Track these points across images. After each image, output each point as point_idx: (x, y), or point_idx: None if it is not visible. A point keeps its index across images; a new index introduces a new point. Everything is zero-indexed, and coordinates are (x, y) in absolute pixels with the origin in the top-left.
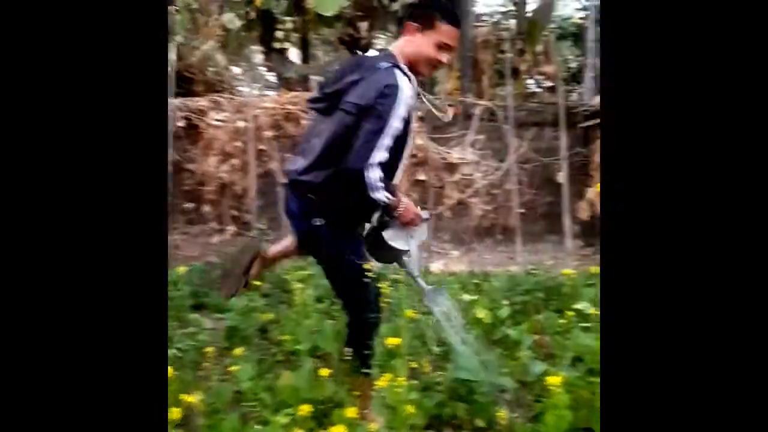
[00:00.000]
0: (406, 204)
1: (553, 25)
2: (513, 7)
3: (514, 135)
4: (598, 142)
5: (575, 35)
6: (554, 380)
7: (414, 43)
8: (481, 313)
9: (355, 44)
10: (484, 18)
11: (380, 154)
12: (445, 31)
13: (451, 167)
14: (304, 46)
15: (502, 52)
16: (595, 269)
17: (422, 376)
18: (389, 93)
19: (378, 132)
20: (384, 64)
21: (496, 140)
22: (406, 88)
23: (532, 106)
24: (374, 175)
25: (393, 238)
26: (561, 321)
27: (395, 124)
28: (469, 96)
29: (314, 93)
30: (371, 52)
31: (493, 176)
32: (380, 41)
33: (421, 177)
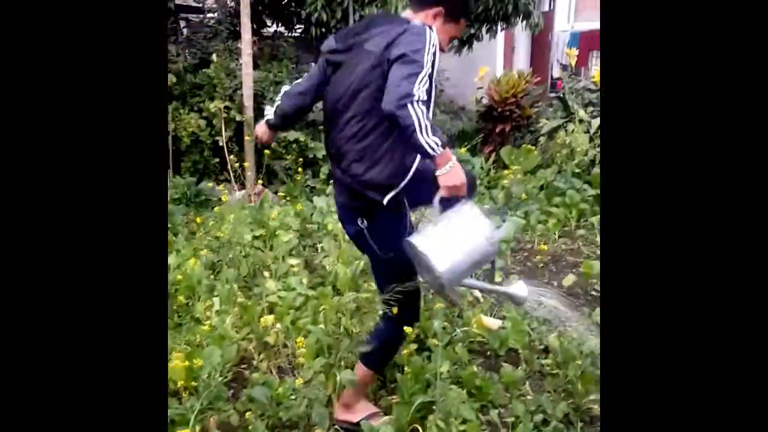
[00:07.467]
0: (454, 163)
1: None
2: None
3: None
4: None
5: None
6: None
7: (434, 28)
8: None
9: None
10: None
11: (421, 92)
12: (460, 27)
13: None
14: None
15: None
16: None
17: None
18: (423, 41)
19: (416, 73)
20: (417, 23)
21: None
22: (437, 45)
23: None
24: (419, 108)
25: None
26: None
27: (429, 69)
28: None
29: (332, 43)
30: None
31: None
32: None
33: None
